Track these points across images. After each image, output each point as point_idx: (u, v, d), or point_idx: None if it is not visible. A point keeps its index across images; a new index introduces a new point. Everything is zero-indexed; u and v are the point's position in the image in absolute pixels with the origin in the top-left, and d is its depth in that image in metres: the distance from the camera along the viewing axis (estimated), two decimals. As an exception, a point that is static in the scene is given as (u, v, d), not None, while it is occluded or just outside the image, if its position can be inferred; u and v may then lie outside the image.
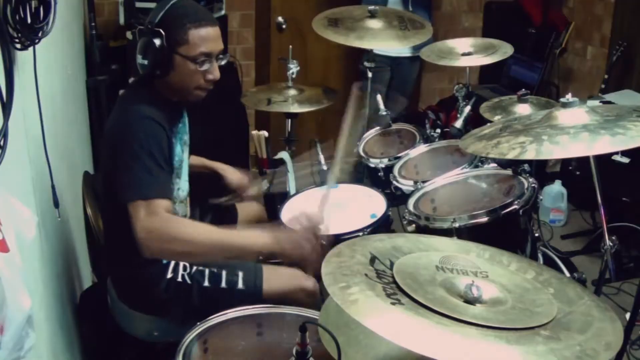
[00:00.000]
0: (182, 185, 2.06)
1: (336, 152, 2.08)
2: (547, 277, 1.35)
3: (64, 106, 2.54)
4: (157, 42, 1.82)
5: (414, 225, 2.15)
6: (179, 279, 1.97)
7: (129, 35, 3.41)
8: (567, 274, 2.25)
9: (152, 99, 1.90)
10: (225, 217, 2.44)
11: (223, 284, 1.98)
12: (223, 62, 1.97)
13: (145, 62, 1.85)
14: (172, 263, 1.97)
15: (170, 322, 2.00)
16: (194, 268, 1.99)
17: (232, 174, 2.44)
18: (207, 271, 1.99)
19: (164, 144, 1.85)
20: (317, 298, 2.01)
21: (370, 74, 3.10)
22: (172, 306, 1.98)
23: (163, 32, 1.83)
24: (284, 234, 1.84)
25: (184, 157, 2.04)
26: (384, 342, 1.29)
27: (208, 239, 1.76)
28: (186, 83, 1.90)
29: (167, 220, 1.74)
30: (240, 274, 2.00)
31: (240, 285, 1.99)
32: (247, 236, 1.83)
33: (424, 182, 2.37)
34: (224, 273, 1.99)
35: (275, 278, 2.02)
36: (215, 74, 1.92)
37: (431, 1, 4.10)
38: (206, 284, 1.98)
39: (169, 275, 1.96)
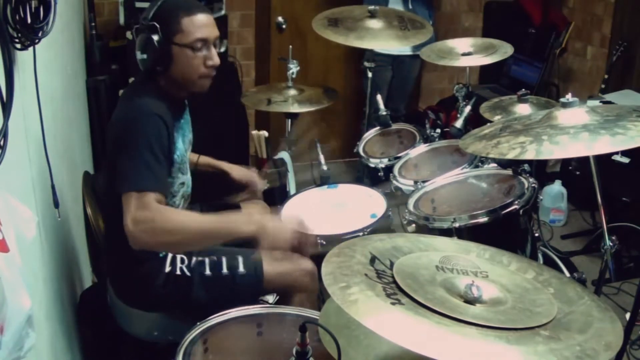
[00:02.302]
0: (187, 181, 2.08)
1: None
2: (547, 277, 1.35)
3: (64, 106, 2.54)
4: (154, 36, 1.86)
5: (414, 225, 2.15)
6: (178, 272, 1.97)
7: (129, 35, 3.40)
8: (567, 274, 2.25)
9: (157, 94, 1.93)
10: None
11: (224, 270, 2.00)
12: (222, 49, 2.01)
13: (145, 56, 1.89)
14: (170, 257, 1.98)
15: (171, 318, 2.00)
16: (194, 259, 1.99)
17: (239, 172, 2.45)
18: (207, 260, 2.00)
19: (165, 140, 1.86)
20: (314, 277, 2.04)
21: (370, 74, 3.10)
22: (172, 300, 1.98)
23: (158, 25, 1.86)
24: (269, 219, 1.85)
25: (186, 153, 2.06)
26: (384, 342, 1.29)
27: (195, 227, 1.77)
28: (188, 73, 1.93)
29: (156, 211, 1.74)
30: (241, 259, 2.02)
31: (241, 269, 2.00)
32: (232, 221, 1.83)
33: (424, 182, 2.37)
34: (224, 260, 2.01)
35: (274, 260, 2.03)
36: (215, 60, 1.95)
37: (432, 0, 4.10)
38: (208, 272, 1.99)
39: (167, 269, 1.97)
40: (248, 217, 1.86)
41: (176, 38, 1.88)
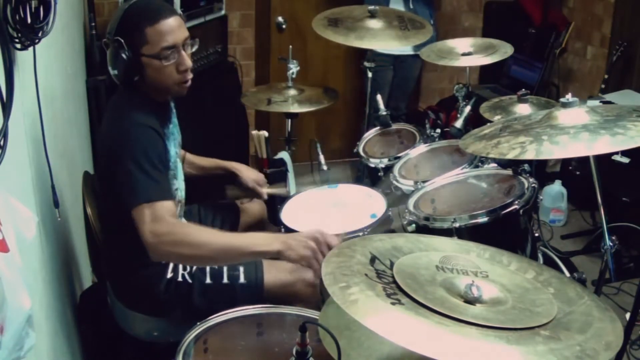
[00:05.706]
0: (180, 185, 2.07)
1: None
2: (547, 277, 1.35)
3: (64, 106, 2.54)
4: (121, 51, 1.83)
5: (414, 225, 2.15)
6: (179, 279, 1.97)
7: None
8: (567, 274, 2.25)
9: (143, 103, 1.90)
10: (228, 215, 2.45)
11: (225, 280, 2.00)
12: (194, 48, 1.94)
13: (116, 72, 1.87)
14: (172, 263, 1.97)
15: (171, 322, 2.00)
16: (195, 267, 1.99)
17: (247, 173, 2.45)
18: (208, 268, 2.00)
19: (161, 150, 1.86)
20: (316, 289, 2.02)
21: (370, 74, 3.10)
22: (173, 306, 1.98)
23: (122, 40, 1.83)
24: (290, 236, 1.78)
25: (178, 158, 2.05)
26: (386, 343, 1.29)
27: (215, 243, 1.73)
28: (162, 81, 1.89)
29: (174, 224, 1.74)
30: (241, 269, 2.02)
31: (241, 279, 2.00)
32: (254, 238, 1.78)
33: (424, 182, 2.37)
34: (225, 269, 2.01)
35: (276, 270, 2.03)
36: (186, 63, 1.89)
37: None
38: (208, 281, 1.99)
39: (169, 275, 1.97)
40: (270, 236, 1.78)
41: (143, 50, 1.83)
